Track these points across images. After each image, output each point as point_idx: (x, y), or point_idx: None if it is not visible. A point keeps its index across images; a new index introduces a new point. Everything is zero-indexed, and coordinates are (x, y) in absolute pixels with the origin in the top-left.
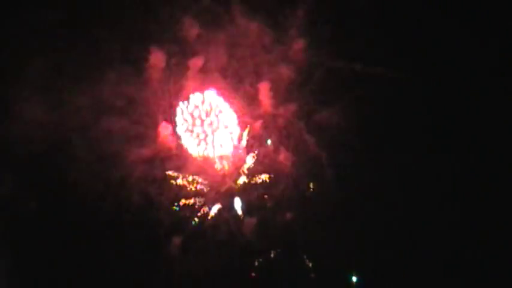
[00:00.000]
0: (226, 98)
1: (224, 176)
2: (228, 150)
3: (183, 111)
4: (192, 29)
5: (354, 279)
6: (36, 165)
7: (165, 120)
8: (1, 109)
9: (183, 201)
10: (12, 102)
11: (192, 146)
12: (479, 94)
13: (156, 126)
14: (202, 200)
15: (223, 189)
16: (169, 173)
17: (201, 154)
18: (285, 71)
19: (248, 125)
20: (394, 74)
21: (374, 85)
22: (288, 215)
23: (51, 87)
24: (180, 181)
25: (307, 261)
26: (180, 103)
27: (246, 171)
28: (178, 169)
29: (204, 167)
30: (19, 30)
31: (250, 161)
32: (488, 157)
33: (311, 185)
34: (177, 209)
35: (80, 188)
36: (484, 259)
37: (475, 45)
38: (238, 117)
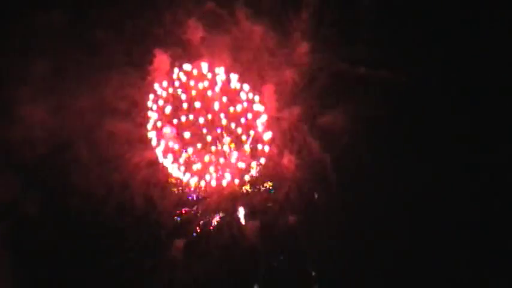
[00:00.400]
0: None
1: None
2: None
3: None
4: (196, 32)
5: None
6: (39, 168)
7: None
8: (4, 111)
9: (185, 205)
10: (15, 105)
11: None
12: (485, 96)
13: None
14: (205, 203)
15: (226, 192)
16: (172, 179)
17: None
18: (289, 74)
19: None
20: (399, 77)
21: (378, 88)
22: (292, 219)
23: (54, 89)
24: (182, 184)
25: (312, 265)
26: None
27: (249, 175)
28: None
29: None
30: (22, 32)
31: (253, 164)
32: (495, 160)
33: (315, 189)
34: (179, 219)
35: (82, 191)
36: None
37: (479, 47)
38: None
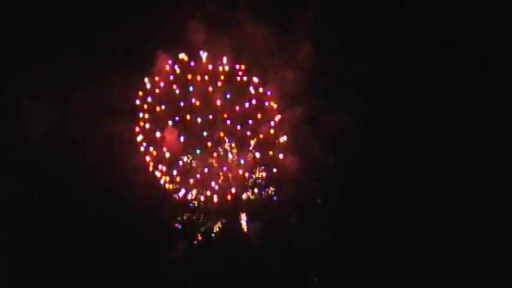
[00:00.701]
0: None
1: (229, 181)
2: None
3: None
4: (198, 34)
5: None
6: (39, 168)
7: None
8: (4, 112)
9: (187, 206)
10: (16, 105)
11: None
12: (486, 96)
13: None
14: (207, 205)
15: (228, 194)
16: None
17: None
18: (292, 76)
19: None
20: (402, 77)
21: (381, 90)
22: (295, 221)
23: (55, 90)
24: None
25: (313, 267)
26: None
27: (251, 177)
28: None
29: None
30: (22, 32)
31: (256, 166)
32: (497, 159)
33: (318, 190)
34: (180, 226)
35: (83, 192)
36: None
37: (480, 47)
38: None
